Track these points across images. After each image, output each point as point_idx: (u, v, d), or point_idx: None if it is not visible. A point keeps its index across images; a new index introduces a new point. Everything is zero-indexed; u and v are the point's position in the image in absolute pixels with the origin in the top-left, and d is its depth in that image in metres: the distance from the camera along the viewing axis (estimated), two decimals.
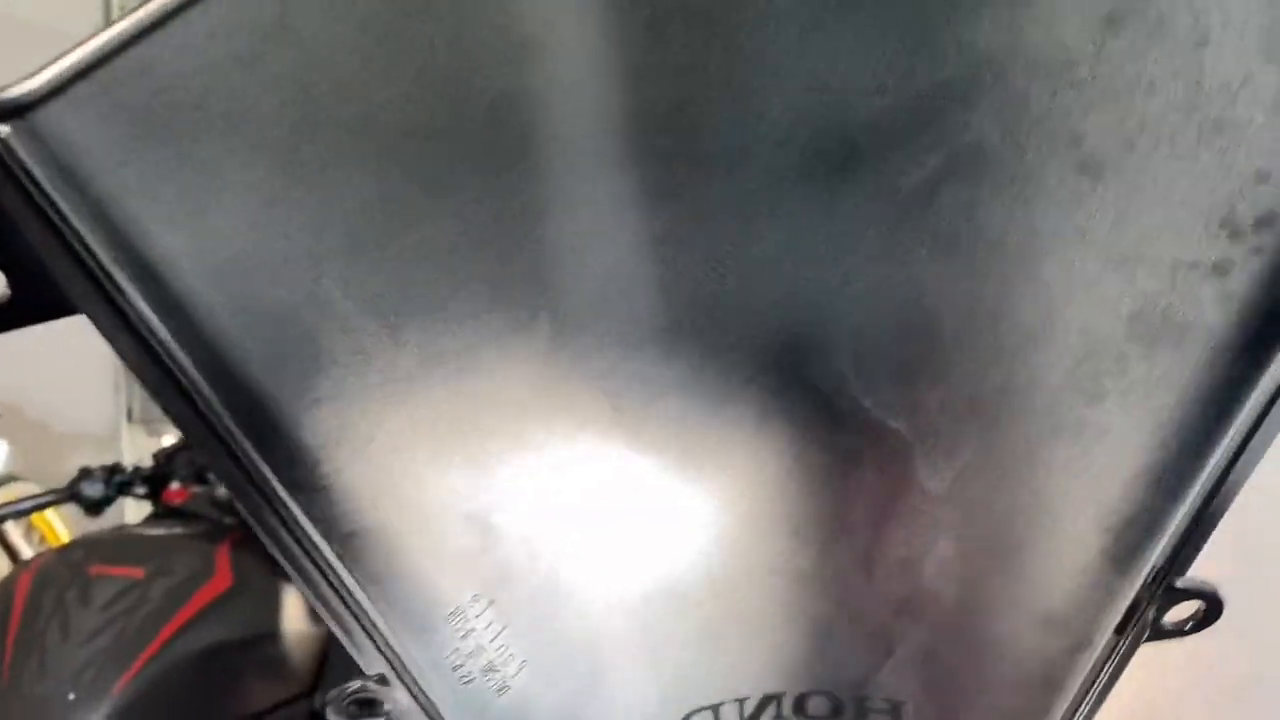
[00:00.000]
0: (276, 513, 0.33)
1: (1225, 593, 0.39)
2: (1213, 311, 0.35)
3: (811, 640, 0.40)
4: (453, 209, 0.33)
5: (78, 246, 0.29)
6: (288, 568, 0.34)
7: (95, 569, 1.19)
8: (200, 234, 0.31)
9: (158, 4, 0.29)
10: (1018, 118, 0.34)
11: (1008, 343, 0.36)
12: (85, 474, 1.43)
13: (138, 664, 1.14)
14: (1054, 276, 0.36)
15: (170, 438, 2.80)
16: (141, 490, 1.44)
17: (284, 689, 1.25)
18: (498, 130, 0.33)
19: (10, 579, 1.25)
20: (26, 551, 2.40)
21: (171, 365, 0.31)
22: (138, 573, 1.19)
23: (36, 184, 0.28)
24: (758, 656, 0.40)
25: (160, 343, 0.31)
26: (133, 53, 0.29)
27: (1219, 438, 0.37)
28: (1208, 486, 0.37)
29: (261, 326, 0.32)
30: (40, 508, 1.50)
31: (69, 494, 1.42)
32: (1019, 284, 0.36)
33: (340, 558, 0.34)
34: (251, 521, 0.33)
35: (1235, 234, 0.35)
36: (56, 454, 2.69)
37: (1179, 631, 0.39)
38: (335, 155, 0.32)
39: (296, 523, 0.33)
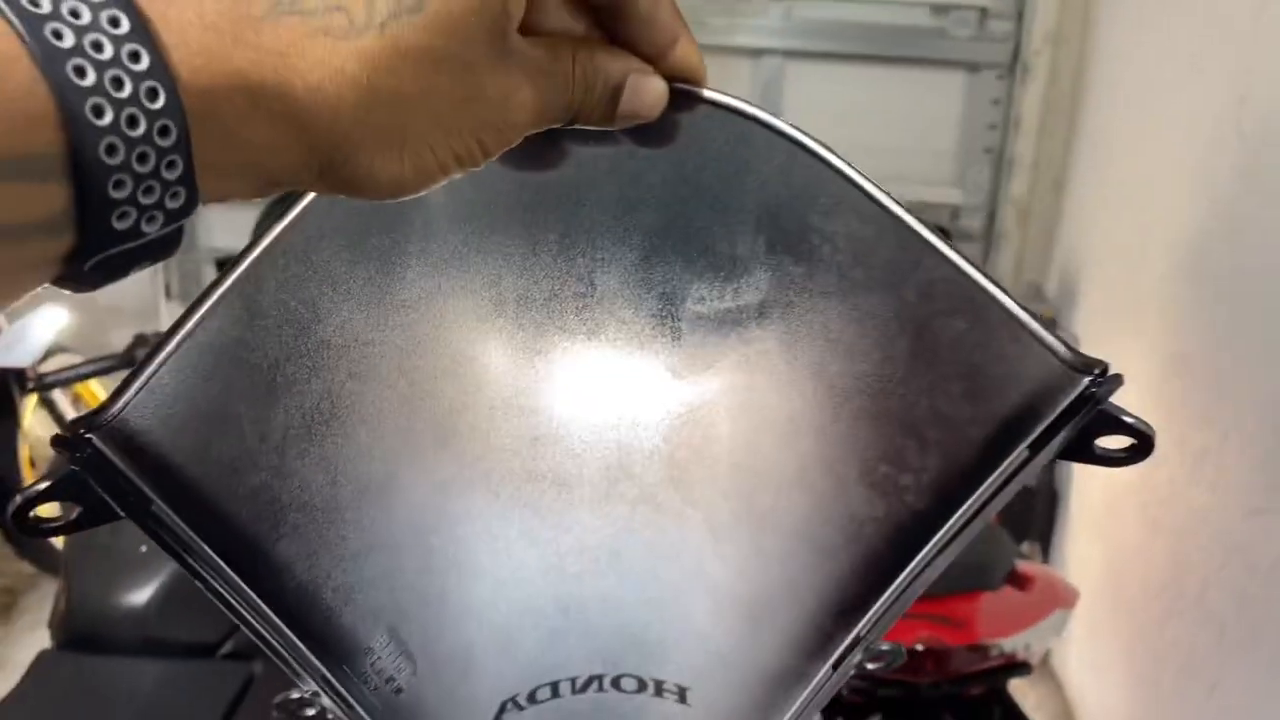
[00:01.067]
0: (247, 609, 0.46)
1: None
2: (895, 502, 0.47)
3: (618, 634, 0.52)
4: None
5: (131, 495, 0.43)
6: (254, 636, 0.46)
7: None
8: (200, 458, 0.44)
9: (189, 323, 0.43)
10: (794, 344, 0.47)
11: (778, 481, 0.49)
12: (140, 341, 1.47)
13: None
14: (808, 447, 0.48)
15: None
16: None
17: None
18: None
19: None
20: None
21: (185, 539, 0.44)
22: None
23: (110, 466, 0.42)
24: (582, 645, 0.52)
25: (180, 529, 0.44)
26: (173, 360, 0.43)
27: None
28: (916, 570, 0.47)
29: (243, 498, 0.45)
30: (99, 373, 1.56)
31: (125, 360, 1.47)
32: (784, 447, 0.48)
33: (291, 627, 0.46)
34: (223, 609, 0.46)
35: (911, 467, 0.46)
36: (100, 328, 2.76)
37: (1114, 459, 0.45)
38: (301, 370, 0.46)
39: (264, 612, 0.46)
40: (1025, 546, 2.44)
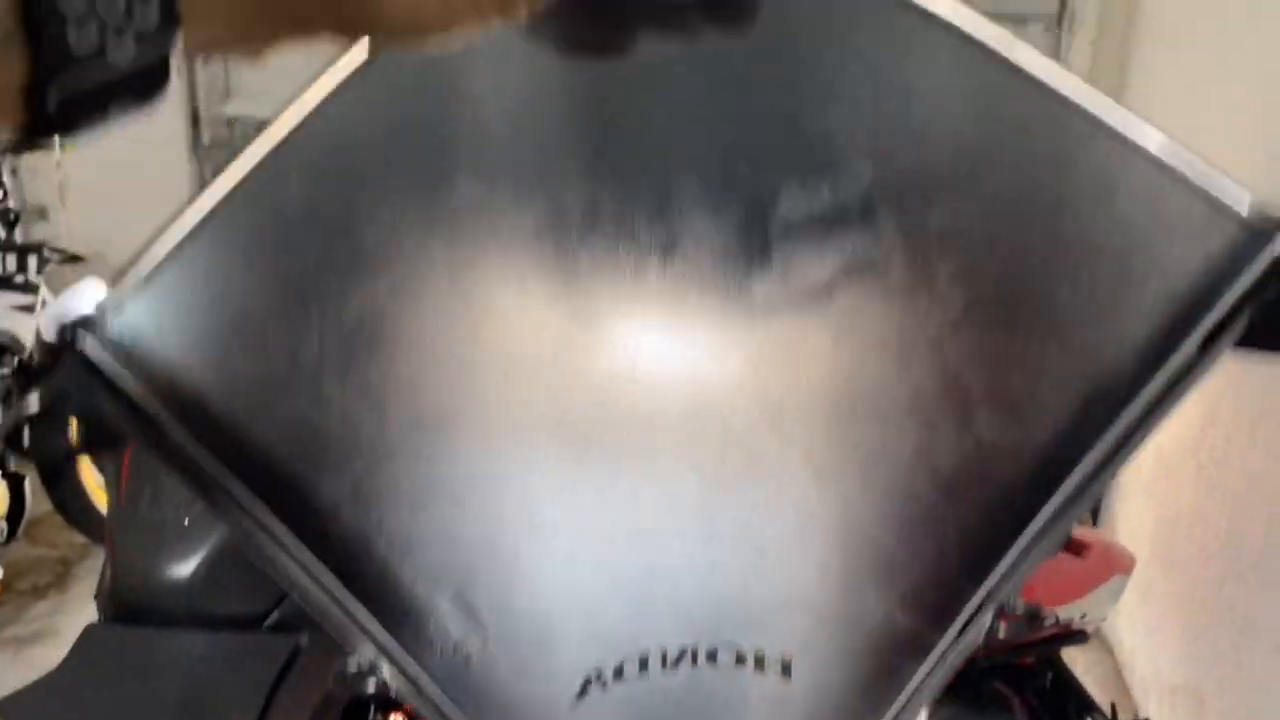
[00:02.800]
0: (292, 557, 0.41)
1: None
2: (1034, 424, 0.40)
3: (713, 599, 0.45)
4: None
5: (134, 406, 0.39)
6: (301, 596, 0.42)
7: None
8: (223, 376, 0.40)
9: (191, 218, 0.40)
10: (906, 243, 0.40)
11: (888, 410, 0.42)
12: None
13: None
14: (923, 366, 0.41)
15: None
16: None
17: None
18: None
19: None
20: None
21: (207, 469, 0.40)
22: None
23: (102, 373, 0.38)
24: (672, 613, 0.46)
25: (199, 454, 0.40)
26: (175, 261, 0.39)
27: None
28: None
29: (276, 427, 0.41)
30: None
31: None
32: (895, 369, 0.42)
33: (344, 584, 0.43)
34: (267, 567, 0.42)
35: (1057, 377, 0.40)
36: None
37: None
38: (335, 284, 0.41)
39: (310, 560, 0.41)
40: None
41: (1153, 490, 2.18)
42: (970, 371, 0.40)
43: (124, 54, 0.24)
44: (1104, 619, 1.62)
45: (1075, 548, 1.58)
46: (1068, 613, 1.51)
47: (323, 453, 0.42)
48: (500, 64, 0.39)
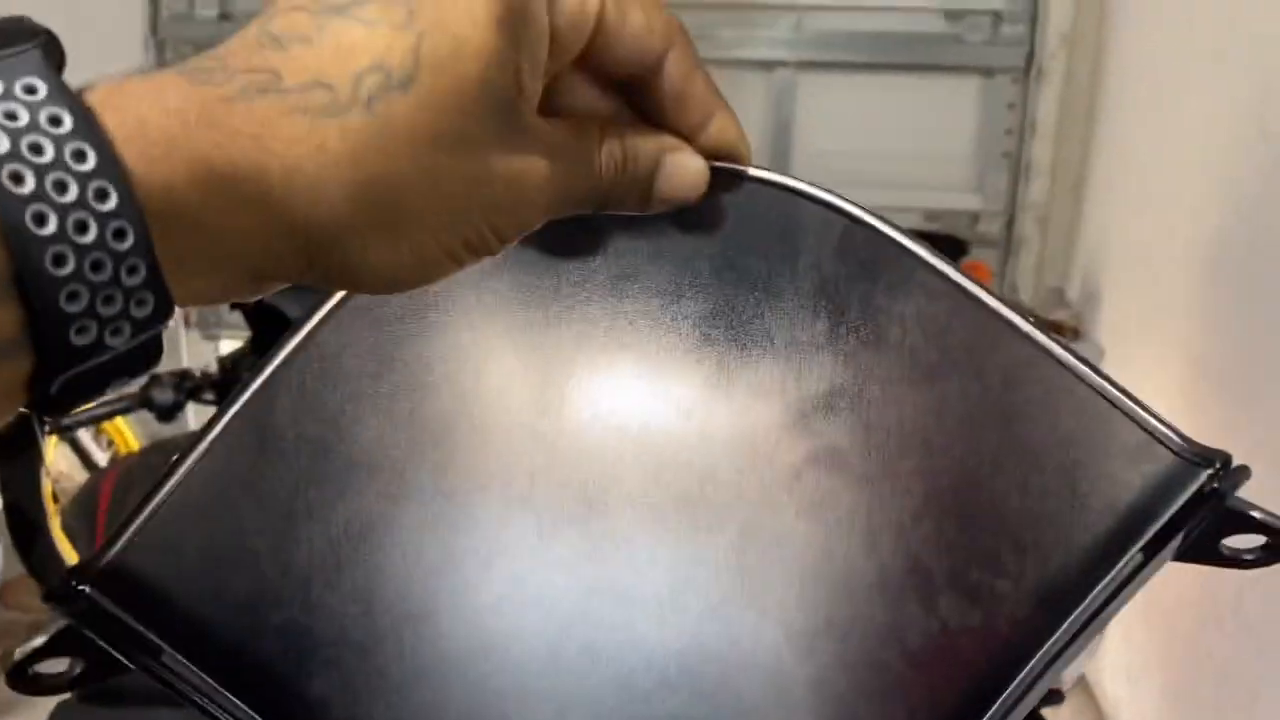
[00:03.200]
0: None
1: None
2: (992, 614, 0.43)
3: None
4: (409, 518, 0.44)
5: (135, 642, 0.41)
6: None
7: None
8: (218, 600, 0.42)
9: (191, 456, 0.41)
10: (869, 437, 0.43)
11: (858, 587, 0.44)
12: (155, 381, 1.47)
13: None
14: (889, 549, 0.43)
15: (228, 343, 2.85)
16: (209, 395, 1.48)
17: None
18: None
19: (94, 481, 1.30)
20: (99, 455, 2.49)
21: (204, 688, 0.42)
22: None
23: (107, 615, 0.40)
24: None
25: (196, 676, 0.41)
26: (173, 498, 0.41)
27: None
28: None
29: (269, 638, 0.43)
30: (114, 414, 1.56)
31: (142, 400, 1.47)
32: (863, 550, 0.44)
33: None
34: None
35: (1009, 572, 0.42)
36: None
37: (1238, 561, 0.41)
38: (324, 494, 0.43)
39: None
40: None
41: None
42: (932, 558, 0.43)
43: (121, 340, 0.26)
44: (1080, 675, 1.61)
45: None
46: None
47: (312, 653, 0.43)
48: (476, 299, 0.42)
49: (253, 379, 0.42)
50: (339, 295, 0.43)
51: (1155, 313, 2.08)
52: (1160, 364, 1.94)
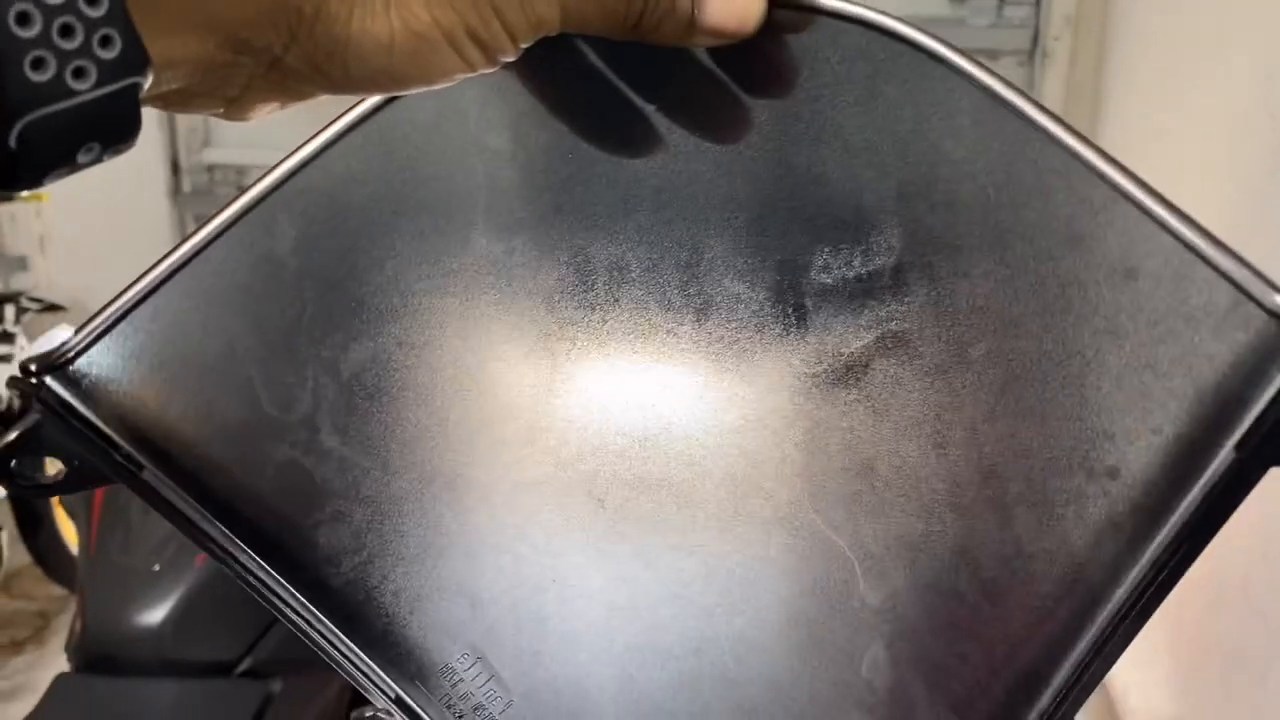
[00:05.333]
0: (287, 604, 0.41)
1: None
2: (1072, 529, 0.38)
3: (763, 684, 0.42)
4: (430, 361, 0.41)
5: (108, 447, 0.39)
6: (304, 638, 0.41)
7: None
8: (203, 419, 0.40)
9: (169, 261, 0.39)
10: (938, 317, 0.39)
11: (929, 500, 0.40)
12: None
13: None
14: (960, 454, 0.40)
15: None
16: None
17: None
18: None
19: None
20: None
21: (191, 514, 0.39)
22: None
23: (72, 412, 0.38)
24: (720, 694, 0.43)
25: (181, 499, 0.39)
26: (149, 303, 0.38)
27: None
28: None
29: (264, 473, 0.40)
30: None
31: None
32: (934, 454, 0.40)
33: (345, 631, 0.41)
34: (270, 608, 0.41)
35: (1089, 474, 0.37)
36: None
37: None
38: (333, 334, 0.40)
39: (306, 607, 0.41)
40: None
41: None
42: (1004, 465, 0.39)
43: (86, 83, 0.24)
44: None
45: None
46: None
47: (319, 501, 0.41)
48: (518, 119, 0.39)
49: (246, 191, 0.39)
50: (349, 115, 0.40)
51: None
52: None
